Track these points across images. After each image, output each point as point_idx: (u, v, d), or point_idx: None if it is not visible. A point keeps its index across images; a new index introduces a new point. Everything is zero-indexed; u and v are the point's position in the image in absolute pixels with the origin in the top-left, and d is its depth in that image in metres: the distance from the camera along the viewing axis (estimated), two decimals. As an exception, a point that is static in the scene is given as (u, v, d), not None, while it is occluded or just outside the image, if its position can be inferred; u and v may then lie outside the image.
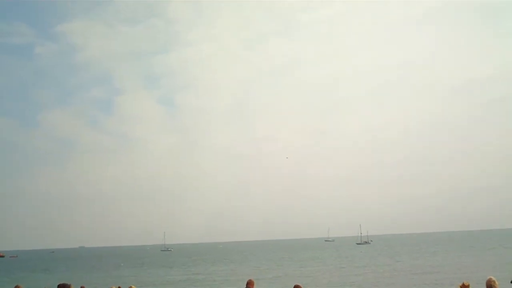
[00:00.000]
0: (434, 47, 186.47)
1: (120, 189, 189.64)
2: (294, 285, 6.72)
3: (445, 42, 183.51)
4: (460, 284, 6.17)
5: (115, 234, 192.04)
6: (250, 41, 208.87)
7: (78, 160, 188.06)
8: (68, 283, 7.78)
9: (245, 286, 7.40)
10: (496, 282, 6.00)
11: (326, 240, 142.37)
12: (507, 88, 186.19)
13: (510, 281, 6.57)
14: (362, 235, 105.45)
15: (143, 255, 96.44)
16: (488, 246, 65.43)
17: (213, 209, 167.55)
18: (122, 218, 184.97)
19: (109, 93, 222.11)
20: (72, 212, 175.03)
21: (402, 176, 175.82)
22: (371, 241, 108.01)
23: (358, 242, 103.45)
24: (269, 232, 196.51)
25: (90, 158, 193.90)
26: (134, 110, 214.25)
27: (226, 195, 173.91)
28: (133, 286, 9.13)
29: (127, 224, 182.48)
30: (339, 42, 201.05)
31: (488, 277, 6.65)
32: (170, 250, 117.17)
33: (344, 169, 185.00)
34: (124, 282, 24.85)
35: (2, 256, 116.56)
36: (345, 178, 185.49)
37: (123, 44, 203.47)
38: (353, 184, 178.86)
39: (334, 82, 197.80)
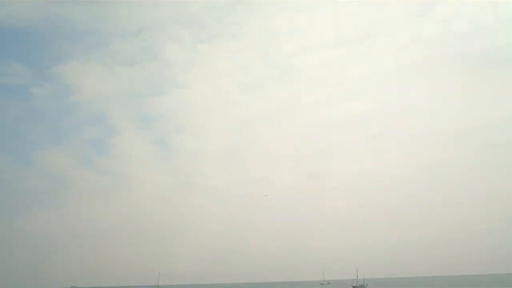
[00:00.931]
0: (432, 93, 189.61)
1: (114, 228, 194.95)
2: None
3: (443, 88, 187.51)
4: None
5: (108, 273, 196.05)
6: (246, 85, 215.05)
7: (71, 199, 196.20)
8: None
9: None
10: None
11: (321, 284, 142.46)
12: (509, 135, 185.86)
13: None
14: (358, 278, 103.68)
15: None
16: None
17: (207, 249, 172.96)
18: (116, 257, 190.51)
19: (104, 133, 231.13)
20: (64, 251, 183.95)
21: (400, 218, 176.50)
22: (367, 285, 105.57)
23: (354, 285, 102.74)
24: (264, 275, 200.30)
25: (84, 197, 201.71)
26: (129, 150, 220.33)
27: (221, 235, 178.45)
28: None
29: (121, 263, 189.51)
30: (334, 87, 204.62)
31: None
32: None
33: (339, 212, 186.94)
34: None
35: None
36: (340, 220, 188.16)
37: (119, 85, 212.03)
38: (349, 227, 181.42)
39: (329, 126, 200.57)
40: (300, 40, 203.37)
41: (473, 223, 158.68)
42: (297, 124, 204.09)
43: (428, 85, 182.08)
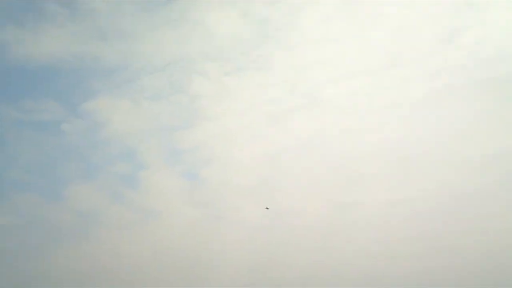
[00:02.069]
0: (460, 119, 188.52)
1: (143, 262, 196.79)
2: None
3: (471, 114, 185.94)
4: None
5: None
6: (274, 117, 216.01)
7: (102, 234, 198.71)
8: None
9: None
10: None
11: None
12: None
13: None
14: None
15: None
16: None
17: (237, 283, 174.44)
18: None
19: (134, 168, 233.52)
20: (95, 285, 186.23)
21: (435, 247, 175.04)
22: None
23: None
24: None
25: (114, 231, 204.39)
26: (158, 184, 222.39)
27: (250, 269, 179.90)
28: None
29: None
30: (363, 116, 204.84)
31: None
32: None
33: (370, 241, 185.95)
34: None
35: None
36: (372, 251, 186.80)
37: (148, 119, 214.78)
38: (380, 257, 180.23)
39: (359, 156, 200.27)
40: (327, 71, 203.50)
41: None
42: (326, 155, 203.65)
43: (455, 111, 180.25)
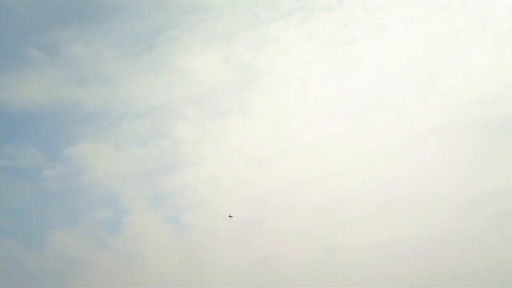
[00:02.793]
0: (442, 162, 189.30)
1: None
2: None
3: (452, 157, 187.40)
4: None
5: None
6: (257, 161, 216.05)
7: (84, 279, 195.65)
8: None
9: None
10: None
11: None
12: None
13: None
14: None
15: None
16: None
17: None
18: None
19: (116, 213, 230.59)
20: None
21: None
22: None
23: None
24: None
25: (97, 277, 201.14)
26: (141, 230, 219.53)
27: None
28: None
29: None
30: (346, 159, 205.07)
31: None
32: None
33: (357, 285, 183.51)
34: None
35: None
36: None
37: (131, 164, 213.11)
38: None
39: (343, 198, 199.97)
40: (309, 114, 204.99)
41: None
42: (311, 198, 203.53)
43: (437, 154, 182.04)
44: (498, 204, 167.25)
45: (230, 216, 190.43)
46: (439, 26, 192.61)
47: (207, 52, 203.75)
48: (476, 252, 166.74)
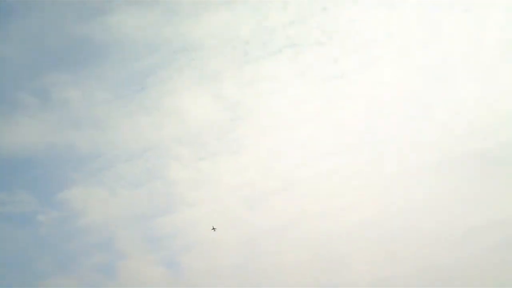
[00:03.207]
0: (436, 195, 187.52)
1: None
2: None
3: (447, 189, 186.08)
4: None
5: None
6: (251, 200, 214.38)
7: None
8: None
9: None
10: None
11: None
12: None
13: None
14: None
15: None
16: None
17: None
18: None
19: (112, 258, 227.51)
20: None
21: None
22: None
23: None
24: None
25: None
26: (138, 274, 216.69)
27: None
28: None
29: None
30: (339, 195, 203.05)
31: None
32: None
33: None
34: None
35: None
36: None
37: (125, 207, 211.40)
38: None
39: (337, 235, 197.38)
40: (301, 152, 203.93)
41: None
42: (305, 237, 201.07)
43: (431, 187, 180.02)
44: (496, 236, 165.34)
45: (213, 229, 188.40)
46: (429, 59, 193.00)
47: (198, 92, 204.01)
48: (476, 285, 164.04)
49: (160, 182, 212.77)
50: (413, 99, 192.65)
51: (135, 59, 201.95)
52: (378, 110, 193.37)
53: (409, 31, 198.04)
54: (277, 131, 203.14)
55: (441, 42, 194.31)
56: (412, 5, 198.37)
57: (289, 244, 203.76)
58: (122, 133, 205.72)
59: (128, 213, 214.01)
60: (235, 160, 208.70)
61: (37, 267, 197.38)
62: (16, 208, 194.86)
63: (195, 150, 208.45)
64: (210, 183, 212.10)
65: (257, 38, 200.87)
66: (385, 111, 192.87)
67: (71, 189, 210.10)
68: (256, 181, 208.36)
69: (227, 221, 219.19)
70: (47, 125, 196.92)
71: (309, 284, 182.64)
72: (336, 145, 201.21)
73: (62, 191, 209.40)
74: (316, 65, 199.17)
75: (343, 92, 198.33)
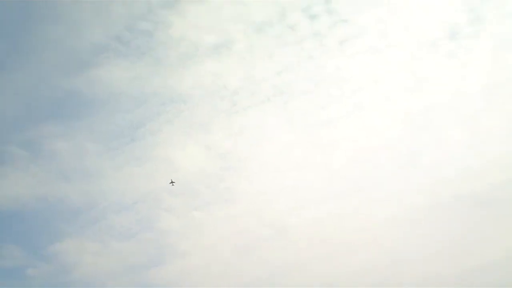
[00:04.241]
0: (429, 238, 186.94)
1: None
2: None
3: (439, 233, 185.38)
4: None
5: None
6: (243, 247, 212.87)
7: None
8: None
9: None
10: None
11: None
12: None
13: None
14: None
15: None
16: None
17: None
18: None
19: None
20: None
21: None
22: None
23: None
24: None
25: None
26: None
27: None
28: None
29: None
30: (332, 241, 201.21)
31: None
32: None
33: None
34: None
35: None
36: None
37: (116, 259, 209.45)
38: None
39: (331, 281, 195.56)
40: (292, 198, 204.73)
41: None
42: (298, 283, 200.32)
43: (423, 232, 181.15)
44: (490, 277, 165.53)
45: (172, 182, 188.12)
46: (414, 104, 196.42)
47: (188, 142, 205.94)
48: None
49: (152, 233, 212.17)
50: (401, 144, 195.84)
51: (124, 111, 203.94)
52: (367, 156, 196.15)
53: (394, 77, 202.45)
54: (268, 178, 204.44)
55: (426, 88, 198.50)
56: (397, 51, 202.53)
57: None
58: (113, 184, 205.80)
59: (120, 265, 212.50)
60: (227, 208, 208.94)
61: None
62: (5, 262, 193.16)
63: (187, 200, 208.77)
64: (202, 232, 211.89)
65: (245, 88, 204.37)
66: (373, 157, 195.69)
67: (62, 242, 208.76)
68: (249, 228, 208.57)
69: (219, 270, 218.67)
70: (38, 178, 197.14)
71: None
72: (327, 191, 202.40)
73: (53, 244, 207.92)
74: (304, 112, 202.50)
75: (331, 139, 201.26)
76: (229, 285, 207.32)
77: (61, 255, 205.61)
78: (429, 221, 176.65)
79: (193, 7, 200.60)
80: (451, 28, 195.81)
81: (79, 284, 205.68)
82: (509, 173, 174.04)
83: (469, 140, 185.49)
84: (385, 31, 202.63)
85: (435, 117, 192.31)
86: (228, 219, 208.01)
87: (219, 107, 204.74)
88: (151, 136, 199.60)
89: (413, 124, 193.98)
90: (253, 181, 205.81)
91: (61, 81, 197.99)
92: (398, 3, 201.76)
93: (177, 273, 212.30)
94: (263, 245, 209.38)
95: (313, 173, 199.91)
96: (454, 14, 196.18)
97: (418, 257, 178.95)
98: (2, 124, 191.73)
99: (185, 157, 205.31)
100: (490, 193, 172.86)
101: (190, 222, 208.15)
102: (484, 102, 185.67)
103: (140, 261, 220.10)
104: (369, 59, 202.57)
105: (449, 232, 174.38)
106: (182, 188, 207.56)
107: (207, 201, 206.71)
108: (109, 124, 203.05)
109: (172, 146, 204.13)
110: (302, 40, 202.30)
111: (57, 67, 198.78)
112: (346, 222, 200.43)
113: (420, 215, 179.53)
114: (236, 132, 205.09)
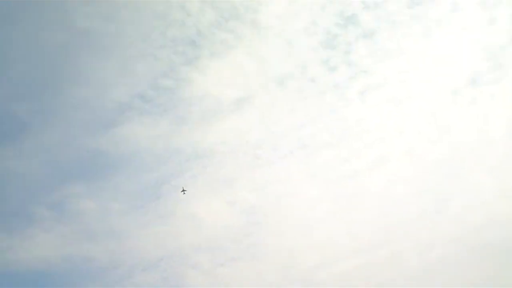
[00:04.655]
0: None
1: None
2: None
3: (467, 282, 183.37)
4: None
5: None
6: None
7: None
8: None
9: None
10: None
11: None
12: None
13: None
14: None
15: None
16: None
17: None
18: None
19: None
20: None
21: None
22: None
23: None
24: None
25: None
26: None
27: None
28: None
29: None
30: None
31: None
32: None
33: None
34: None
35: None
36: None
37: None
38: None
39: None
40: (319, 253, 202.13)
41: None
42: None
43: (450, 281, 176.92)
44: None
45: (183, 191, 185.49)
46: (438, 152, 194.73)
47: (212, 197, 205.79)
48: None
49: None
50: (426, 193, 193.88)
51: (148, 169, 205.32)
52: (392, 207, 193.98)
53: (417, 126, 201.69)
54: (294, 233, 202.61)
55: (450, 135, 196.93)
56: (418, 100, 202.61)
57: None
58: (138, 242, 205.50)
59: None
60: (253, 264, 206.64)
61: None
62: None
63: (213, 256, 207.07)
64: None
65: (268, 142, 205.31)
66: (400, 208, 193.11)
67: None
68: (276, 284, 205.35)
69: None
70: (63, 238, 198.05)
71: None
72: (354, 244, 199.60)
73: None
74: (327, 165, 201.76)
75: (356, 191, 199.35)
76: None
77: None
78: (455, 271, 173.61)
79: (214, 63, 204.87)
80: (471, 75, 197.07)
81: None
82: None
83: (496, 186, 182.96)
84: (405, 80, 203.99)
85: (461, 165, 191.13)
86: (254, 275, 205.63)
87: (243, 161, 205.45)
88: (176, 193, 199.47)
89: (438, 172, 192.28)
90: (279, 236, 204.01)
91: (85, 141, 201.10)
92: (416, 53, 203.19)
93: None
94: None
95: (339, 227, 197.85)
96: (474, 61, 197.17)
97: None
98: (30, 185, 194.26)
99: (210, 213, 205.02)
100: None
101: (216, 279, 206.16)
102: (509, 147, 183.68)
103: None
104: (391, 109, 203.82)
105: (476, 282, 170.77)
106: (207, 244, 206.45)
107: (233, 257, 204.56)
108: (133, 182, 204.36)
109: (197, 202, 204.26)
110: (322, 92, 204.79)
111: (82, 127, 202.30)
112: (375, 275, 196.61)
113: (445, 265, 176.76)
114: (260, 186, 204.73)
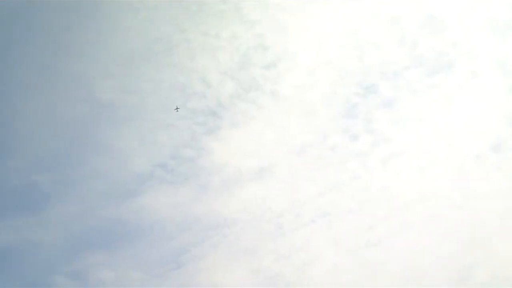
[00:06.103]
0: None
1: None
2: None
3: None
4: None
5: None
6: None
7: None
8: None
9: None
10: None
11: None
12: None
13: None
14: None
15: None
16: None
17: None
18: None
19: None
20: None
21: None
22: None
23: None
24: None
25: None
26: None
27: None
28: None
29: None
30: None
31: None
32: None
33: None
34: None
35: None
36: None
37: None
38: None
39: None
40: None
41: None
42: None
43: None
44: None
45: (176, 109, 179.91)
46: (463, 219, 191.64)
47: (234, 266, 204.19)
48: None
49: None
50: (452, 261, 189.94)
51: (168, 238, 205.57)
52: (417, 276, 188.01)
53: (440, 193, 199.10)
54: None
55: (474, 202, 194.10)
56: (440, 166, 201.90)
57: None
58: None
59: None
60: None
61: None
62: None
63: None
64: None
65: (290, 210, 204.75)
66: (424, 276, 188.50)
67: None
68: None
69: None
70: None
71: None
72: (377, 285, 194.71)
73: None
74: (349, 233, 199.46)
75: (379, 260, 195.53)
76: None
77: None
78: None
79: (234, 133, 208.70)
80: (495, 141, 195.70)
81: None
82: None
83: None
84: (427, 147, 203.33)
85: (486, 231, 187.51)
86: None
87: (265, 230, 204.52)
88: (196, 262, 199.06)
89: (463, 239, 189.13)
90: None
91: (106, 211, 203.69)
92: (437, 120, 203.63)
93: None
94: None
95: (361, 276, 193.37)
96: (496, 128, 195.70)
97: None
98: (50, 255, 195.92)
99: (233, 282, 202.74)
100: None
101: None
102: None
103: None
104: (414, 176, 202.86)
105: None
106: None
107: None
108: (154, 251, 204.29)
109: (218, 272, 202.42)
110: (344, 160, 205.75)
111: (103, 197, 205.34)
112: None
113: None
114: (283, 255, 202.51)
